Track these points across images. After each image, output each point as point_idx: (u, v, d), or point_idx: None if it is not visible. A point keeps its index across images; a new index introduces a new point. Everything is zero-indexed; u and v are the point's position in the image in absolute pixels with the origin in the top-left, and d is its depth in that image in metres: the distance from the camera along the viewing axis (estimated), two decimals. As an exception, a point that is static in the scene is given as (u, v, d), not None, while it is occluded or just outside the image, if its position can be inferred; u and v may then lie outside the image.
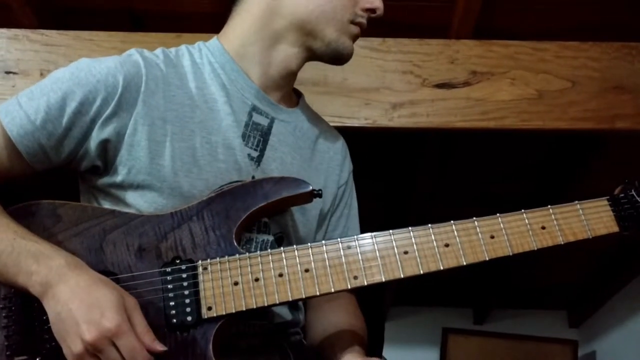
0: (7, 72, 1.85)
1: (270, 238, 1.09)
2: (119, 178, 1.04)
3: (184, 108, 1.07)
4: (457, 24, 1.89)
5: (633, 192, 1.03)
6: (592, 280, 3.73)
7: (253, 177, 1.08)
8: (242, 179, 1.07)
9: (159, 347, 0.91)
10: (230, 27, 1.17)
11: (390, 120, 1.88)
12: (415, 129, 1.89)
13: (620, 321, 3.69)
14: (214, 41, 1.17)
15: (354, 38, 1.17)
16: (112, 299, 0.91)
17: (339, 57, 1.16)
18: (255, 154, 1.11)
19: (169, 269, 0.97)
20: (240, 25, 1.16)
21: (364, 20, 1.16)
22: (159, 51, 1.13)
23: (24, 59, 1.85)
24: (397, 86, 1.89)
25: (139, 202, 1.04)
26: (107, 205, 1.06)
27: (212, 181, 1.05)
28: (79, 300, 0.90)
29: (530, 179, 2.83)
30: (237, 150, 1.08)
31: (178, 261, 0.98)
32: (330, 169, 1.22)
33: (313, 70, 1.89)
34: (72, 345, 0.89)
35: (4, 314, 0.97)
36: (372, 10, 1.16)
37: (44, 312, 0.93)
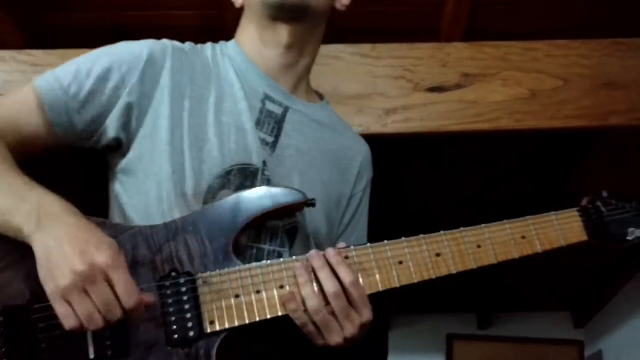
0: (-5, 94, 1.83)
1: (278, 249, 1.09)
2: (141, 150, 1.06)
3: (202, 90, 1.11)
4: (446, 28, 1.89)
5: (599, 204, 1.11)
6: (595, 279, 3.71)
7: (264, 162, 1.09)
8: (253, 163, 1.08)
9: (148, 298, 0.90)
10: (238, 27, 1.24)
11: (384, 127, 1.87)
12: (409, 134, 1.89)
13: (625, 319, 3.67)
14: (233, 40, 1.23)
15: None
16: (107, 238, 0.89)
17: (270, 5, 1.12)
18: (270, 139, 1.13)
19: (167, 283, 0.96)
20: (242, 21, 1.22)
21: None
22: (187, 43, 1.19)
23: (11, 81, 1.84)
24: (389, 92, 1.89)
25: (161, 175, 1.04)
26: (129, 186, 1.07)
27: (221, 160, 1.06)
28: (74, 235, 0.87)
29: (525, 178, 2.83)
30: (248, 134, 1.10)
31: (174, 274, 0.97)
32: (349, 165, 1.23)
33: (304, 79, 1.89)
34: (60, 278, 0.85)
35: None
36: None
37: (37, 333, 0.91)
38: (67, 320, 0.85)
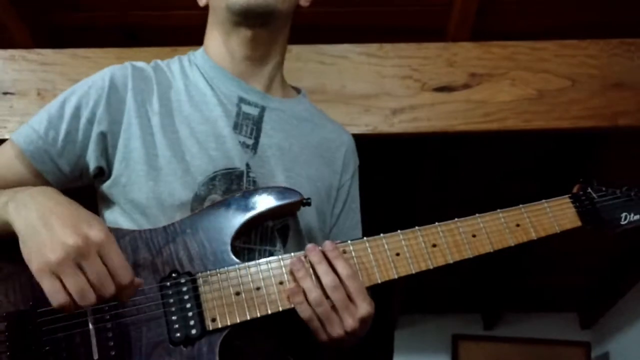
0: (5, 93, 1.85)
1: (269, 248, 1.09)
2: (119, 172, 1.07)
3: (173, 104, 1.12)
4: (454, 27, 1.89)
5: (590, 190, 1.14)
6: (602, 280, 3.70)
7: (248, 165, 1.10)
8: (236, 166, 1.09)
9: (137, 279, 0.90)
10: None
11: (391, 126, 1.87)
12: (416, 133, 1.89)
13: (633, 320, 3.66)
14: (201, 48, 1.22)
15: None
16: (98, 219, 0.88)
17: (242, 13, 1.11)
18: (250, 141, 1.13)
19: (168, 284, 0.97)
20: (208, 26, 1.21)
21: None
22: (152, 62, 1.19)
23: (20, 79, 1.85)
24: (396, 91, 1.88)
25: (140, 195, 1.05)
26: (115, 206, 1.08)
27: (204, 168, 1.07)
28: (61, 211, 0.86)
29: (533, 179, 2.82)
30: (227, 139, 1.10)
31: (175, 275, 0.98)
32: (333, 157, 1.23)
33: (311, 78, 1.88)
34: (49, 254, 0.81)
35: None
36: None
37: (41, 336, 0.91)
38: (58, 296, 0.82)
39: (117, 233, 1.00)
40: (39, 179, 1.07)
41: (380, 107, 1.87)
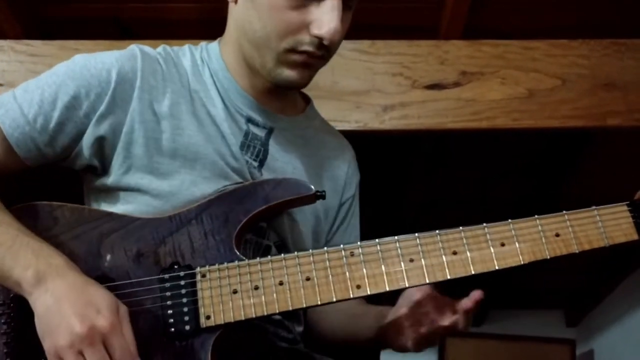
0: (-8, 84, 1.82)
1: (265, 242, 1.07)
2: (117, 178, 1.02)
3: (182, 106, 1.05)
4: (446, 25, 1.89)
5: None
6: (588, 278, 3.73)
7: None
8: (243, 183, 1.05)
9: None
10: (225, 32, 1.13)
11: (381, 123, 1.87)
12: (406, 131, 1.89)
13: (617, 318, 3.69)
14: (214, 44, 1.14)
15: (300, 65, 1.02)
16: (108, 300, 0.89)
17: (278, 86, 1.06)
18: (255, 163, 1.08)
19: (167, 276, 0.95)
20: (228, 32, 1.11)
21: (310, 49, 1.00)
22: (160, 48, 1.11)
23: (9, 70, 1.83)
24: (387, 88, 1.88)
25: (139, 201, 1.02)
26: (106, 207, 1.05)
27: (214, 180, 1.03)
28: (75, 296, 0.88)
29: (525, 178, 2.83)
30: (233, 158, 1.06)
31: (176, 267, 0.96)
32: (335, 177, 1.19)
33: (303, 74, 1.88)
34: (58, 338, 0.86)
35: (2, 320, 0.96)
36: (320, 38, 0.99)
37: None
38: None
39: (123, 220, 0.99)
40: (16, 160, 1.01)
41: (371, 103, 1.87)
